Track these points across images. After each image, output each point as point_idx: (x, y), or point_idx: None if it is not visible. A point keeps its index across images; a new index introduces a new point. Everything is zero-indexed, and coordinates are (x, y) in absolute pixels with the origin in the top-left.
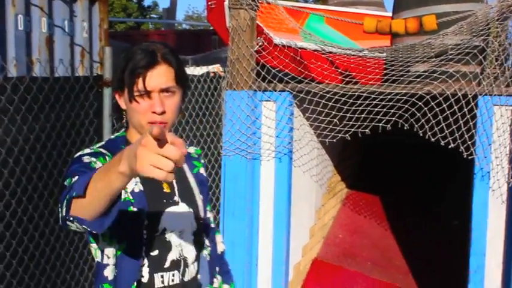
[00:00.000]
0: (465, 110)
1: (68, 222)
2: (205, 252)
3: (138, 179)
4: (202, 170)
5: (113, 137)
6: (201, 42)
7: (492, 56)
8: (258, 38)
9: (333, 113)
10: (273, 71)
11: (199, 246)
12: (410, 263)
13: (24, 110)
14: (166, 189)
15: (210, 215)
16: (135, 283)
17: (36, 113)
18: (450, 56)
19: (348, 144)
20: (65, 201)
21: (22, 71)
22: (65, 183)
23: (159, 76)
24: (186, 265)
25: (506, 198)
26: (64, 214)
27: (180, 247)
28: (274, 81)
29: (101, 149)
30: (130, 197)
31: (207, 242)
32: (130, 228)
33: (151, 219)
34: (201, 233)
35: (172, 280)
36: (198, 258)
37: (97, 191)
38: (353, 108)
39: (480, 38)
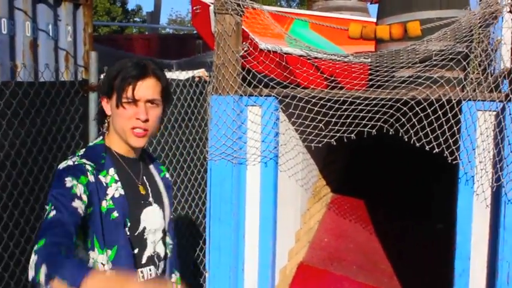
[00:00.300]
0: (449, 115)
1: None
2: (168, 249)
3: (119, 183)
4: (167, 175)
5: (91, 144)
6: (185, 47)
7: (475, 62)
8: (244, 43)
9: (319, 118)
10: (259, 76)
11: (165, 243)
12: (395, 267)
13: (10, 115)
14: (142, 191)
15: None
16: None
17: (21, 117)
18: (434, 62)
19: (332, 149)
20: (45, 268)
21: (6, 75)
22: (46, 207)
23: (147, 88)
24: (159, 260)
25: (491, 203)
26: (39, 280)
27: (154, 244)
28: (260, 86)
29: (84, 160)
30: (111, 203)
31: (169, 240)
32: (117, 232)
33: (132, 221)
34: (166, 231)
35: (150, 274)
36: (165, 254)
37: None
38: (338, 113)
39: (463, 44)
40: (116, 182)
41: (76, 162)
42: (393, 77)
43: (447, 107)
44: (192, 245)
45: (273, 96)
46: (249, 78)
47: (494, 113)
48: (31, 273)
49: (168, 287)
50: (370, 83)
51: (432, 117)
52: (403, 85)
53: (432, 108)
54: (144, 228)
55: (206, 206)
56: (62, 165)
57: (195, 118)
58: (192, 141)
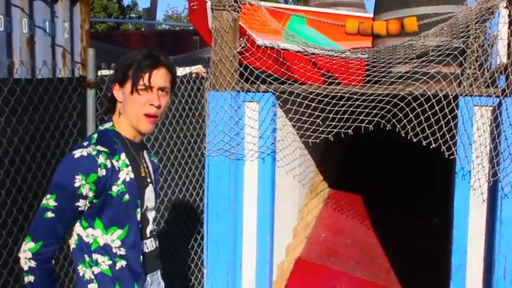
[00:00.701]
0: (446, 110)
1: None
2: None
3: (129, 168)
4: (155, 160)
5: (102, 128)
6: (182, 43)
7: (472, 57)
8: (241, 39)
9: (316, 113)
10: (256, 72)
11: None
12: (392, 261)
13: (8, 112)
14: (143, 174)
15: None
16: (141, 256)
17: (19, 114)
18: (431, 57)
19: (330, 144)
20: (32, 278)
21: (3, 72)
22: (48, 195)
23: (160, 76)
24: (156, 233)
25: (487, 197)
26: (23, 279)
27: (152, 220)
28: (257, 82)
29: (99, 146)
30: (123, 187)
31: None
32: (129, 213)
33: (141, 201)
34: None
35: (152, 246)
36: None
37: None
38: (335, 108)
39: (460, 39)
40: (127, 166)
41: (92, 153)
42: (390, 72)
43: (444, 102)
44: (190, 240)
45: (271, 92)
46: (246, 74)
47: (491, 108)
48: (22, 266)
49: None
50: (367, 78)
51: (429, 112)
52: (400, 81)
53: (429, 104)
54: (147, 206)
55: (204, 202)
56: (77, 153)
57: (193, 114)
58: (190, 138)
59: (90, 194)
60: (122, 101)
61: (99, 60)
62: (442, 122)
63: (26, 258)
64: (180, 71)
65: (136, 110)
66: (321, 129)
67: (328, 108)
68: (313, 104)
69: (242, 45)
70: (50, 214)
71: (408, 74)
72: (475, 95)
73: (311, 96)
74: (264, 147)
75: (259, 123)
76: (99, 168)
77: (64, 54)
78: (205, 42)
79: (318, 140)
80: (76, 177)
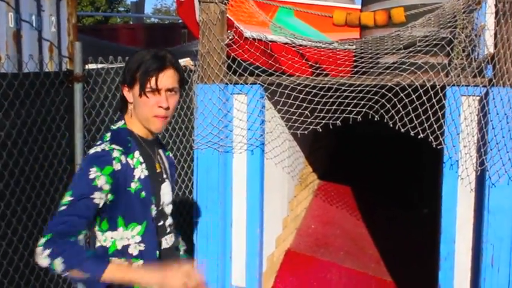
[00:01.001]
0: (434, 100)
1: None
2: None
3: (143, 165)
4: (171, 155)
5: (115, 127)
6: (170, 36)
7: (459, 48)
8: (229, 31)
9: (304, 105)
10: (244, 64)
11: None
12: (382, 252)
13: None
14: (158, 169)
15: None
16: (158, 252)
17: (6, 109)
18: (418, 48)
19: (318, 136)
20: (61, 259)
21: None
22: (66, 192)
23: (168, 77)
24: (174, 228)
25: (475, 187)
26: (54, 269)
27: (170, 215)
28: (245, 74)
29: (113, 145)
30: (139, 184)
31: None
32: (146, 210)
33: (156, 198)
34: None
35: (172, 241)
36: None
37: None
38: (324, 100)
39: (447, 29)
40: (141, 164)
41: (106, 149)
42: (378, 63)
43: (431, 92)
44: (180, 233)
45: (259, 84)
46: (234, 66)
47: (478, 97)
48: (45, 262)
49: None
50: (355, 69)
51: (417, 102)
52: (388, 71)
53: (417, 94)
54: (163, 203)
55: (193, 195)
56: (92, 151)
57: (181, 107)
58: (178, 130)
59: (106, 187)
60: (132, 102)
61: (86, 54)
62: (430, 112)
63: (39, 254)
64: None
65: (146, 112)
66: (309, 120)
67: (316, 99)
68: (302, 96)
69: (230, 37)
70: (62, 208)
71: (396, 65)
72: (462, 85)
73: (299, 87)
74: (252, 139)
75: (248, 115)
76: (114, 162)
77: (51, 48)
78: (194, 35)
79: (306, 132)
80: (91, 169)
